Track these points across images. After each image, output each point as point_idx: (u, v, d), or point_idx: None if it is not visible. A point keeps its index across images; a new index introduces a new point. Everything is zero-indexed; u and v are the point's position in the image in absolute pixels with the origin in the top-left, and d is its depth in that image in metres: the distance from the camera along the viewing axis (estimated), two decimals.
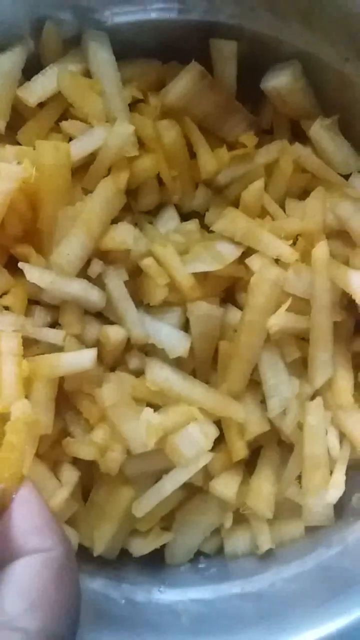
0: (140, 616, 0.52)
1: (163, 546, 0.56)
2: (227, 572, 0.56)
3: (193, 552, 0.57)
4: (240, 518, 0.56)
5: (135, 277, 0.55)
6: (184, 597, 0.54)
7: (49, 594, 0.38)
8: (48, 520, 0.41)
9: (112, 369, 0.54)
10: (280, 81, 0.55)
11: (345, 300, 0.56)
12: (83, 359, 0.50)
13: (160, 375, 0.53)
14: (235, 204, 0.57)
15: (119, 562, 0.55)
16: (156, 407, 0.53)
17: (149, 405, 0.53)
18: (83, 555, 0.54)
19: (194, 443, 0.51)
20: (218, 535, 0.57)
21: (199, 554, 0.57)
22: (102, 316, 0.54)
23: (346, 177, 0.58)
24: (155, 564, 0.56)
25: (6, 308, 0.52)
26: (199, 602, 0.53)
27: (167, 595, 0.54)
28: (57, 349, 0.52)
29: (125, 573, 0.55)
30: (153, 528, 0.55)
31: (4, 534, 0.40)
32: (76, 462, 0.53)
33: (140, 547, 0.55)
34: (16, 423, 0.44)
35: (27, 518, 0.41)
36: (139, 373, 0.54)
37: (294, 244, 0.55)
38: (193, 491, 0.56)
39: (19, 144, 0.54)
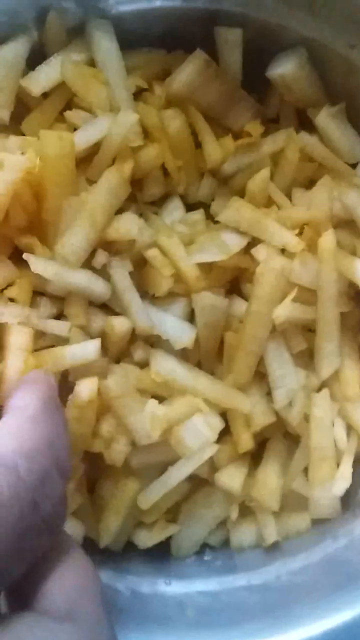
0: (146, 608, 0.52)
1: (169, 538, 0.56)
2: (233, 564, 0.56)
3: (199, 545, 0.57)
4: (246, 510, 0.56)
5: (140, 268, 0.54)
6: (189, 589, 0.53)
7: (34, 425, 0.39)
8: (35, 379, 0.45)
9: (117, 360, 0.54)
10: (285, 69, 0.55)
11: (352, 291, 0.55)
12: (87, 350, 0.50)
13: (165, 366, 0.53)
14: (241, 193, 0.57)
15: (124, 554, 0.55)
16: (161, 399, 0.53)
17: (154, 397, 0.53)
18: (89, 547, 0.53)
19: (198, 434, 0.51)
20: (224, 528, 0.57)
21: (204, 546, 0.57)
22: (107, 307, 0.54)
23: (353, 165, 0.57)
24: (161, 556, 0.56)
25: (11, 300, 0.52)
26: (205, 594, 0.53)
27: (173, 588, 0.54)
28: (63, 340, 0.52)
29: (131, 565, 0.55)
30: (159, 520, 0.55)
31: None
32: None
33: (146, 539, 0.55)
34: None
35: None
36: (144, 365, 0.54)
37: (300, 233, 0.55)
38: (199, 483, 0.56)
39: (23, 134, 0.54)
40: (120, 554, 0.55)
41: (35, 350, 0.53)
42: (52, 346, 0.52)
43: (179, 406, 0.52)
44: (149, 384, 0.53)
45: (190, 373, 0.53)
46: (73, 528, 0.53)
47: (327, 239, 0.53)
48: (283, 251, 0.54)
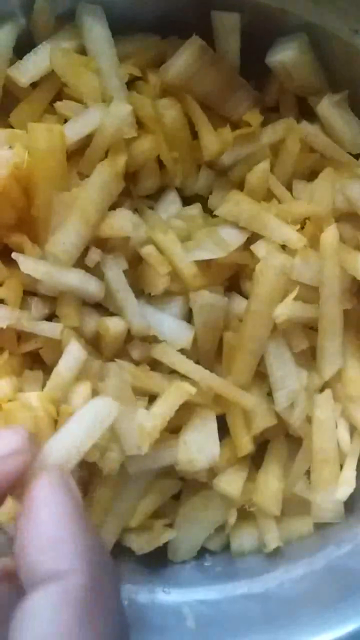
0: (143, 619, 0.50)
1: (167, 544, 0.54)
2: (233, 570, 0.54)
3: (196, 549, 0.55)
4: (247, 514, 0.54)
5: (136, 266, 0.52)
6: (189, 598, 0.52)
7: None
8: (70, 526, 0.31)
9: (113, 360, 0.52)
10: (286, 55, 0.52)
11: (355, 287, 0.53)
12: None
13: (167, 357, 0.51)
14: (240, 185, 0.55)
15: (120, 561, 0.53)
16: (156, 396, 0.51)
17: (150, 394, 0.51)
18: None
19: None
20: (224, 532, 0.55)
21: (204, 552, 0.55)
22: (102, 306, 0.52)
23: (356, 156, 0.55)
24: (159, 562, 0.54)
25: (1, 301, 0.50)
26: (205, 603, 0.51)
27: (171, 596, 0.52)
28: (55, 341, 0.50)
29: (127, 572, 0.53)
30: (155, 525, 0.53)
31: (21, 545, 0.30)
32: None
33: (143, 544, 0.53)
34: None
35: (44, 524, 0.31)
36: (140, 363, 0.52)
37: (302, 228, 0.52)
38: (197, 486, 0.54)
39: (11, 126, 0.52)
40: (115, 561, 0.53)
41: (26, 353, 0.51)
42: (41, 348, 0.51)
43: (171, 398, 0.49)
44: (145, 382, 0.51)
45: (193, 366, 0.51)
46: None
47: (330, 235, 0.51)
48: (284, 247, 0.52)
